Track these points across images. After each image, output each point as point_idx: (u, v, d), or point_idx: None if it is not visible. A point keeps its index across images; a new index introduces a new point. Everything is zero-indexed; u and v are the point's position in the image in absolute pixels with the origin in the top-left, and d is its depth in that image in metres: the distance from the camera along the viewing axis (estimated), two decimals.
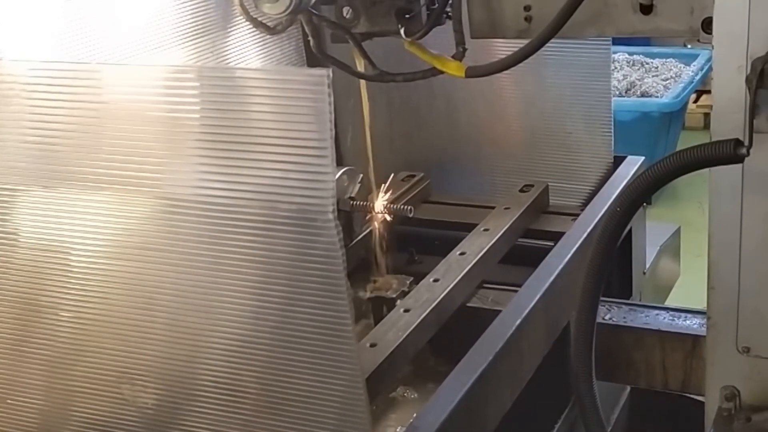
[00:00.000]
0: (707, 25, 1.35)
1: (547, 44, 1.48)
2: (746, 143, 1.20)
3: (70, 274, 1.28)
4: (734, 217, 1.33)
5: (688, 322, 1.88)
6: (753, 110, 1.20)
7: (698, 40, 1.42)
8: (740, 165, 1.26)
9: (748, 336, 1.38)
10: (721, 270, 1.37)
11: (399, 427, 1.59)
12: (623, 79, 5.26)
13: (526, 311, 1.61)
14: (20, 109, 1.22)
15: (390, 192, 2.05)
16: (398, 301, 1.72)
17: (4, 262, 1.31)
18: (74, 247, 1.26)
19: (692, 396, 1.92)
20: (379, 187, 1.92)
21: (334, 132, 1.04)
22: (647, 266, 2.32)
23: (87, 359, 1.33)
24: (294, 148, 1.07)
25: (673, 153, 1.26)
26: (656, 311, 1.94)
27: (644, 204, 2.15)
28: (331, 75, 1.02)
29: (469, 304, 1.80)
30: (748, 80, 1.22)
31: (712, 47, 1.25)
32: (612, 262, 1.40)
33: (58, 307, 1.31)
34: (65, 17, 1.53)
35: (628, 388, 2.20)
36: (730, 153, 1.20)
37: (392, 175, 2.07)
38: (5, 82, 1.22)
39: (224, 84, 1.13)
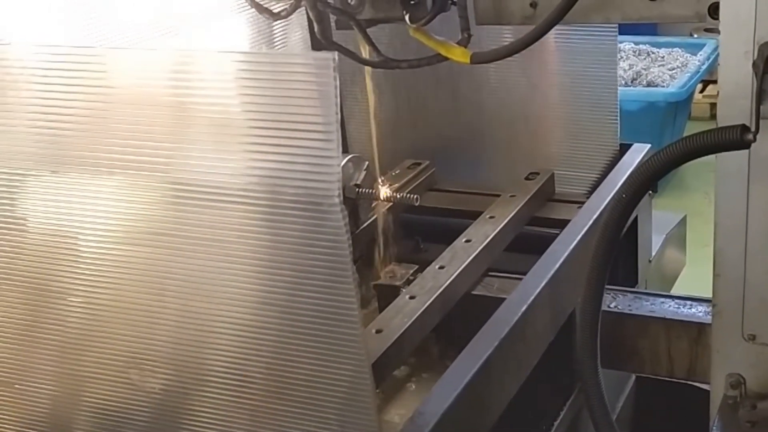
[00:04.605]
0: (714, 10, 1.35)
1: (554, 31, 1.48)
2: (753, 129, 1.20)
3: (79, 260, 1.28)
4: (740, 203, 1.33)
5: (693, 310, 1.88)
6: (760, 96, 1.20)
7: (705, 30, 1.42)
8: (746, 151, 1.26)
9: (753, 324, 1.39)
10: (727, 257, 1.37)
11: (404, 412, 1.60)
12: (629, 69, 5.25)
13: (531, 299, 1.61)
14: (29, 93, 1.21)
15: (395, 180, 2.05)
16: (403, 289, 1.72)
17: (15, 247, 1.31)
18: (84, 232, 1.26)
19: (697, 384, 1.92)
20: (384, 174, 1.92)
21: (340, 116, 1.04)
22: (653, 254, 2.32)
23: (97, 345, 1.33)
24: (300, 132, 1.07)
25: (680, 139, 1.26)
26: (661, 299, 1.93)
27: (650, 192, 2.15)
28: (336, 58, 1.02)
29: (474, 292, 1.80)
30: (755, 65, 1.22)
31: (719, 32, 1.25)
32: (617, 250, 1.40)
33: (68, 293, 1.31)
34: (73, 1, 1.53)
35: (634, 376, 2.20)
36: (737, 139, 1.20)
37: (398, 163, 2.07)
38: (14, 67, 1.21)
39: (230, 68, 1.12)
